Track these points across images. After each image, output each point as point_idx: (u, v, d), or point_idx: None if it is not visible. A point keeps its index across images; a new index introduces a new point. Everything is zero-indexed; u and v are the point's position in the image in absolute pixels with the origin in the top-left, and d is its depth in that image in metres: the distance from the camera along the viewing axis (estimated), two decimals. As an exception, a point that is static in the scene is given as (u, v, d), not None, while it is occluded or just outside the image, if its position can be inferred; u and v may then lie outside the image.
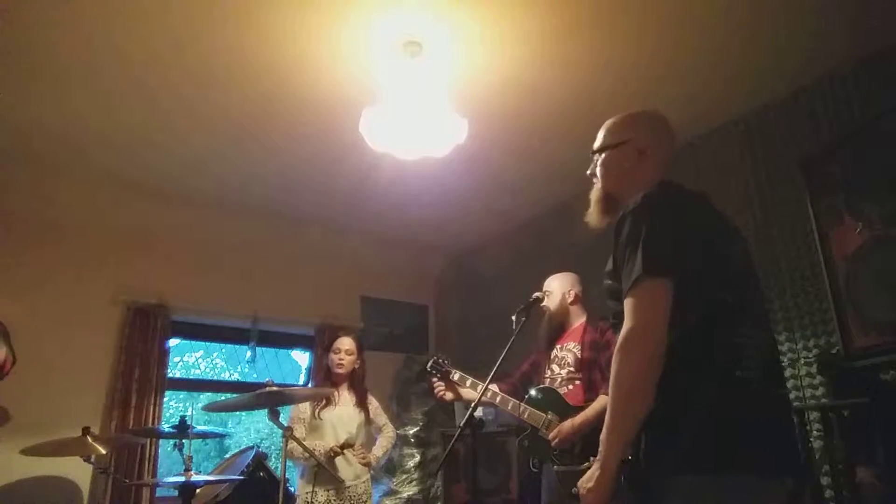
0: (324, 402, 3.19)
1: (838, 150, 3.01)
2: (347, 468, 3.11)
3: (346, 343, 3.32)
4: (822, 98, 3.13)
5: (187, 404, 6.35)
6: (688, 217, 1.40)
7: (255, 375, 6.01)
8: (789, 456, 1.32)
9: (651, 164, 1.56)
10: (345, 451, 3.08)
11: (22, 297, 3.73)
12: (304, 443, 2.91)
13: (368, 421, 3.32)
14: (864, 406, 2.53)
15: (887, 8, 2.68)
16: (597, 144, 1.66)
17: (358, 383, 3.34)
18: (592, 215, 1.66)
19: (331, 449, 3.04)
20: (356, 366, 3.34)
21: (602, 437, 1.31)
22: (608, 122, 1.67)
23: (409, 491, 4.56)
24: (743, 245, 1.50)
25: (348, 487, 3.09)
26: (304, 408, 3.19)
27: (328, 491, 3.05)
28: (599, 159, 1.64)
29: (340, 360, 3.27)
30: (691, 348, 1.30)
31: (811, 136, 3.15)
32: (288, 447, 2.73)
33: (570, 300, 2.97)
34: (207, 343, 6.91)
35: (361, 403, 3.30)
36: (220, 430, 4.79)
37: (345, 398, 3.27)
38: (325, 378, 3.35)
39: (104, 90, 3.14)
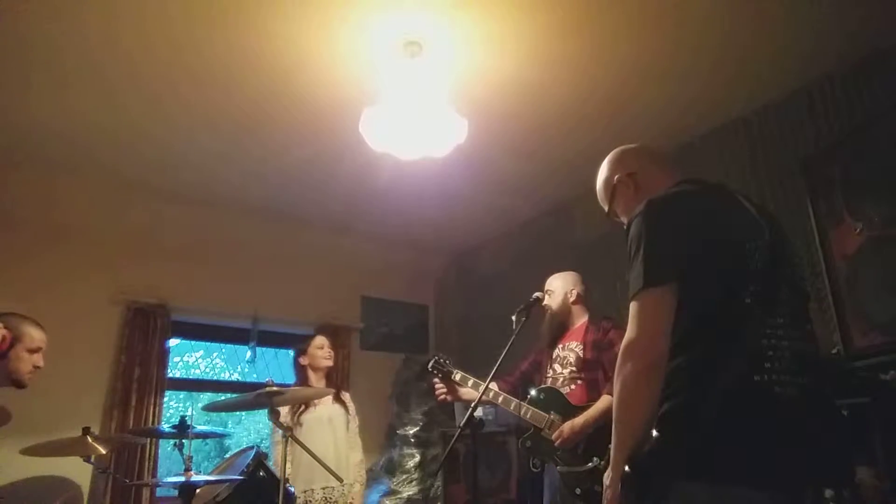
0: (301, 406, 3.20)
1: (838, 150, 3.01)
2: (344, 469, 3.11)
3: (325, 339, 3.44)
4: (822, 98, 3.13)
5: (187, 404, 6.34)
6: (694, 217, 1.36)
7: (255, 375, 5.99)
8: (806, 464, 1.25)
9: (649, 175, 1.61)
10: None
11: (22, 296, 3.72)
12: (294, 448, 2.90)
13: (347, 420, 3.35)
14: (864, 406, 2.52)
15: (887, 8, 2.68)
16: (607, 208, 1.72)
17: (332, 377, 3.47)
18: None
19: None
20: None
21: (612, 443, 1.32)
22: (598, 191, 1.74)
23: (409, 491, 4.55)
24: (770, 238, 1.38)
25: (336, 487, 3.10)
26: (285, 412, 3.17)
27: (324, 489, 3.07)
28: (616, 215, 1.69)
29: (325, 356, 3.37)
30: (708, 351, 1.26)
31: (811, 136, 3.15)
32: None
33: (572, 299, 2.97)
34: (207, 343, 6.90)
35: (338, 397, 3.36)
36: (220, 430, 4.77)
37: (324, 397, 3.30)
38: (303, 380, 3.33)
39: (104, 90, 3.14)
